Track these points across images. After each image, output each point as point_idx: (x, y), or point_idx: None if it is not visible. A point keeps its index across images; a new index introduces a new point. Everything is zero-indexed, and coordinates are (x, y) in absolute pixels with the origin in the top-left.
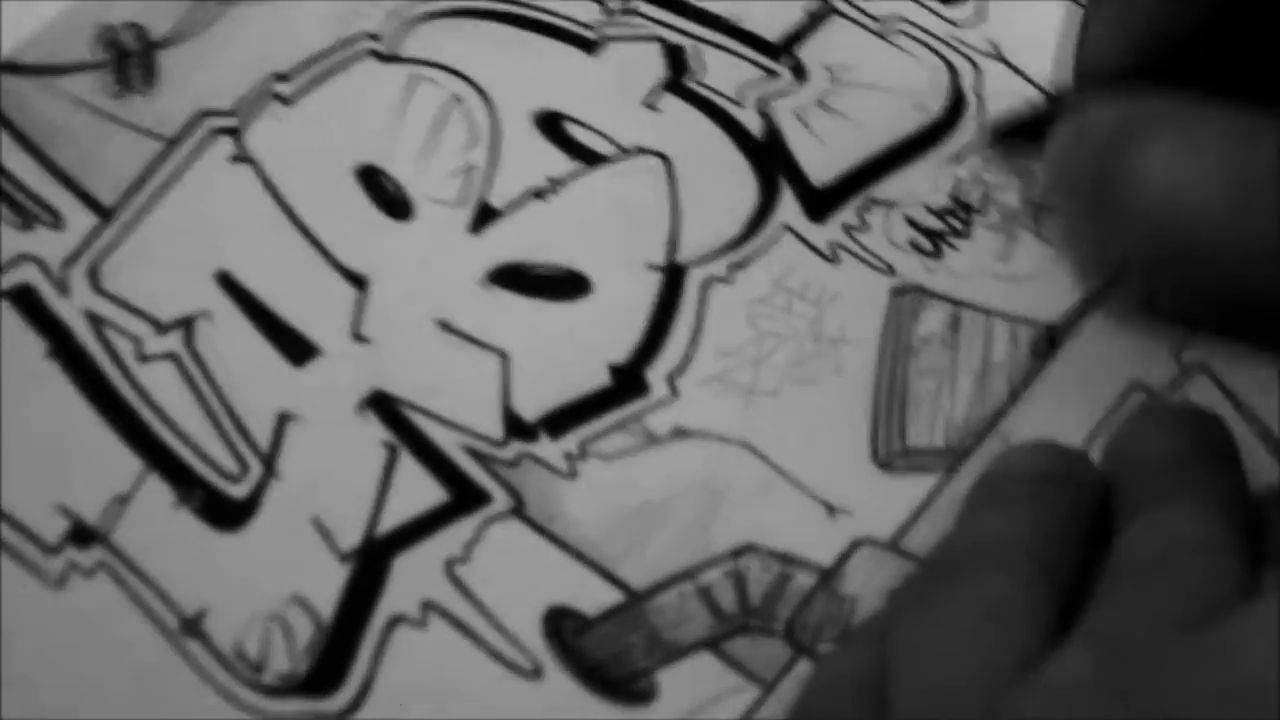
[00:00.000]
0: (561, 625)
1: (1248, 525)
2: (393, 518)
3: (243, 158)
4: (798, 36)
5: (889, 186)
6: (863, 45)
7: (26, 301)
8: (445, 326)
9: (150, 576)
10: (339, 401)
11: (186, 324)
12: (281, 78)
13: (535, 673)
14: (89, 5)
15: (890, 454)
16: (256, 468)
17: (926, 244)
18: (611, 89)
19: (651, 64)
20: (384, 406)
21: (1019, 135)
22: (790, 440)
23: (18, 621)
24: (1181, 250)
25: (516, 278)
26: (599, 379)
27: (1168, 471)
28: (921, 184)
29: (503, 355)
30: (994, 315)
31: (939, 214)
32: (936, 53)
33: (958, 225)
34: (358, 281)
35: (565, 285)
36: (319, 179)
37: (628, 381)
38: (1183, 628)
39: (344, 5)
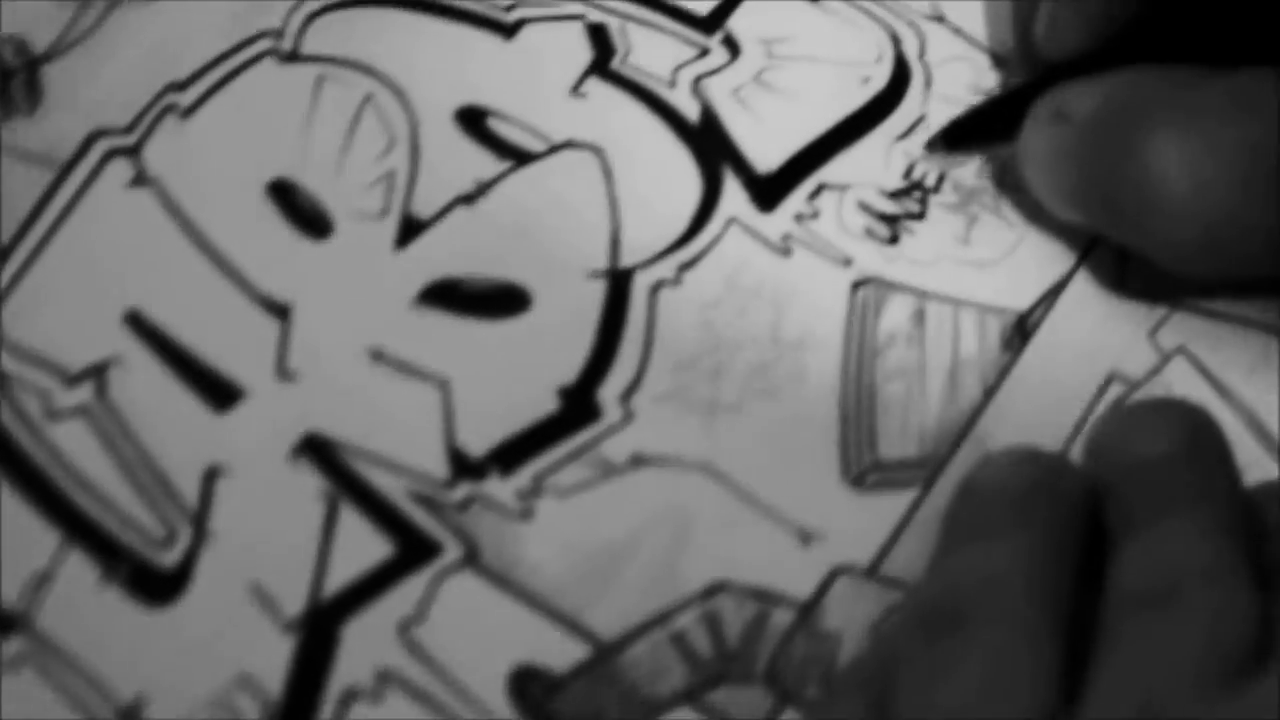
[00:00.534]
0: (529, 686)
1: (1249, 534)
2: (338, 577)
3: (142, 180)
4: (727, 8)
5: (838, 168)
6: (797, 14)
7: None
8: (377, 356)
9: (80, 664)
10: (269, 449)
11: (97, 373)
12: (177, 86)
13: None
14: None
15: (862, 469)
16: (185, 531)
17: (882, 230)
18: (534, 77)
19: (574, 46)
20: (319, 452)
21: (976, 135)
22: (756, 460)
23: None
24: (1204, 235)
25: (449, 296)
26: (547, 404)
27: (1159, 479)
28: (872, 164)
29: (442, 384)
30: (960, 305)
31: (893, 195)
32: (875, 18)
33: (914, 207)
34: (279, 311)
35: (503, 301)
36: (227, 198)
37: (578, 406)
38: (1207, 683)
39: (239, 3)
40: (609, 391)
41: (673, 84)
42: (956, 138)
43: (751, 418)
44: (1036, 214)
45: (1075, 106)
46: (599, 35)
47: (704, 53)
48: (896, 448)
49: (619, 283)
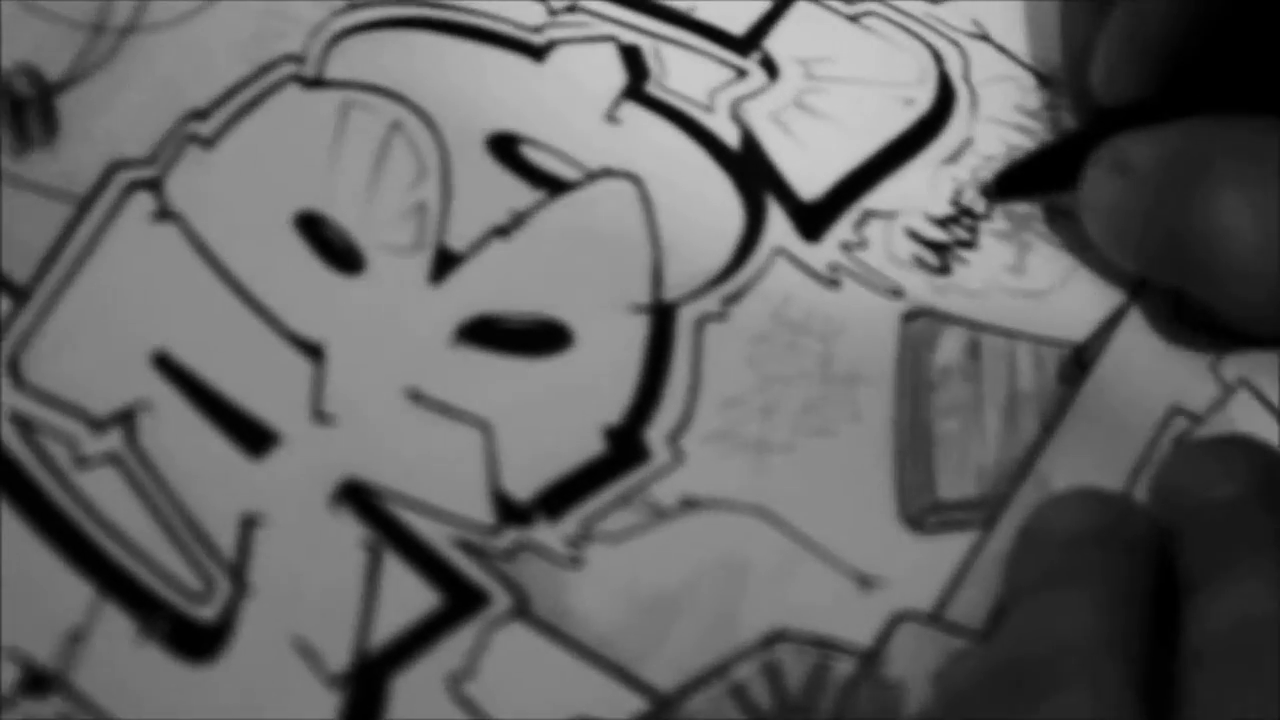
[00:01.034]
0: None
1: None
2: (384, 630)
3: (166, 214)
4: (764, 27)
5: (884, 194)
6: (836, 33)
7: None
8: (416, 396)
9: None
10: (308, 496)
11: (125, 418)
12: (199, 115)
13: None
14: None
15: (920, 510)
16: (224, 583)
17: (932, 259)
18: (567, 102)
19: (607, 69)
20: (359, 499)
21: (1028, 183)
22: (810, 502)
23: None
24: (1275, 301)
25: (488, 333)
26: (593, 446)
27: (1231, 523)
28: (919, 189)
29: (483, 426)
30: (1015, 337)
31: (942, 223)
32: (917, 36)
33: (963, 235)
34: (312, 351)
35: (543, 338)
36: (254, 232)
37: (625, 446)
38: None
39: (259, 23)
40: (657, 431)
41: (710, 108)
42: (1011, 185)
43: (804, 457)
44: (1091, 241)
45: (1136, 158)
46: (632, 57)
47: (741, 74)
48: (955, 487)
49: (663, 318)
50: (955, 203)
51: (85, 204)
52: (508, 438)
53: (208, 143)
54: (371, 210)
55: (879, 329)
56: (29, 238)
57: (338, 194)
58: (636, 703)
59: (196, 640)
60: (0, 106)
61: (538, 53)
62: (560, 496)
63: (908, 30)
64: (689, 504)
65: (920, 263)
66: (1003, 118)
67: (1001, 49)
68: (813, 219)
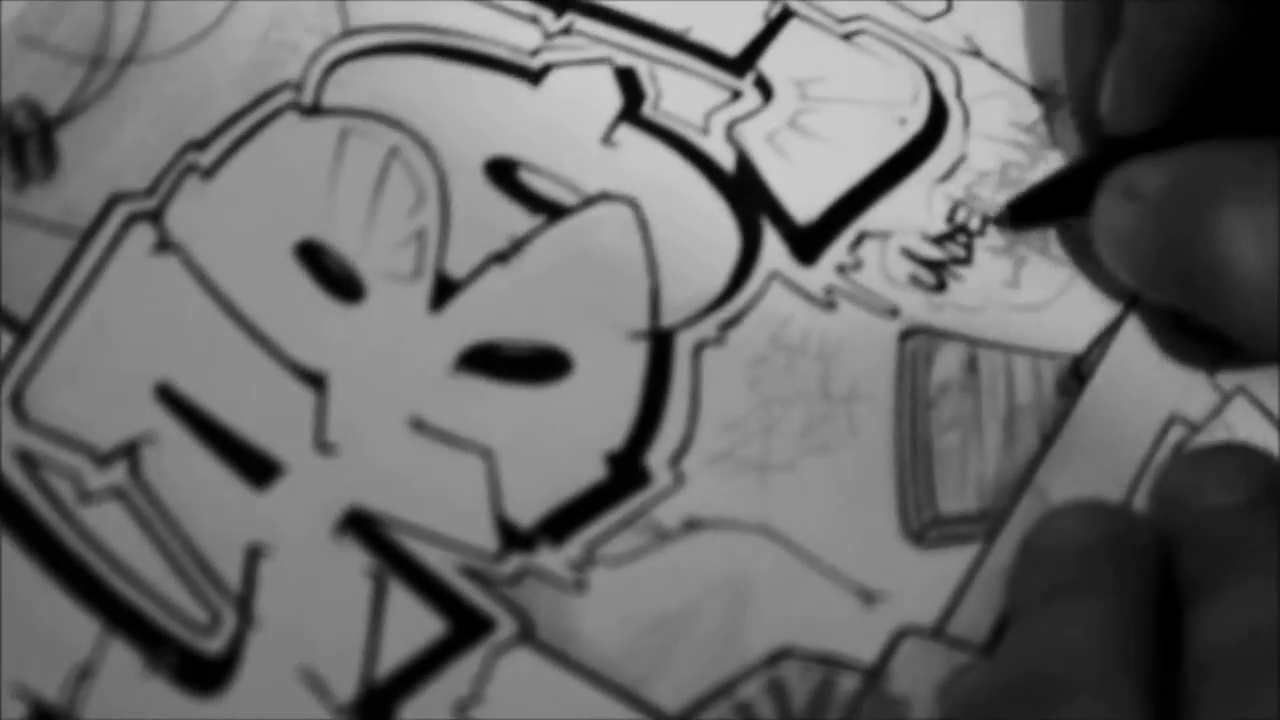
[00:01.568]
0: None
1: None
2: (390, 658)
3: (166, 245)
4: (757, 48)
5: (879, 215)
6: (828, 52)
7: None
8: (418, 425)
9: None
10: (312, 527)
11: (129, 451)
12: (198, 145)
13: None
14: None
15: (922, 524)
16: (230, 615)
17: (928, 277)
18: (564, 126)
19: (603, 92)
20: (363, 528)
21: (1041, 210)
22: (812, 520)
23: None
24: None
25: (488, 360)
26: (595, 471)
27: (1233, 531)
28: (914, 208)
29: (485, 453)
30: (1012, 351)
31: (937, 241)
32: (909, 55)
33: (959, 252)
34: (314, 380)
35: (543, 365)
36: (254, 262)
37: (627, 471)
38: None
39: (257, 52)
40: (658, 455)
41: (706, 130)
42: (1024, 214)
43: (805, 476)
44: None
45: (1146, 184)
46: (628, 80)
47: (736, 95)
48: (955, 501)
49: (661, 344)
50: (950, 220)
51: (86, 237)
52: (510, 464)
53: (207, 173)
54: (371, 238)
55: (876, 348)
56: (30, 272)
57: (337, 222)
58: None
59: (204, 673)
60: (0, 141)
61: (534, 76)
62: (563, 522)
63: (900, 48)
64: (691, 525)
65: (916, 281)
66: (996, 134)
67: (994, 65)
68: (808, 242)
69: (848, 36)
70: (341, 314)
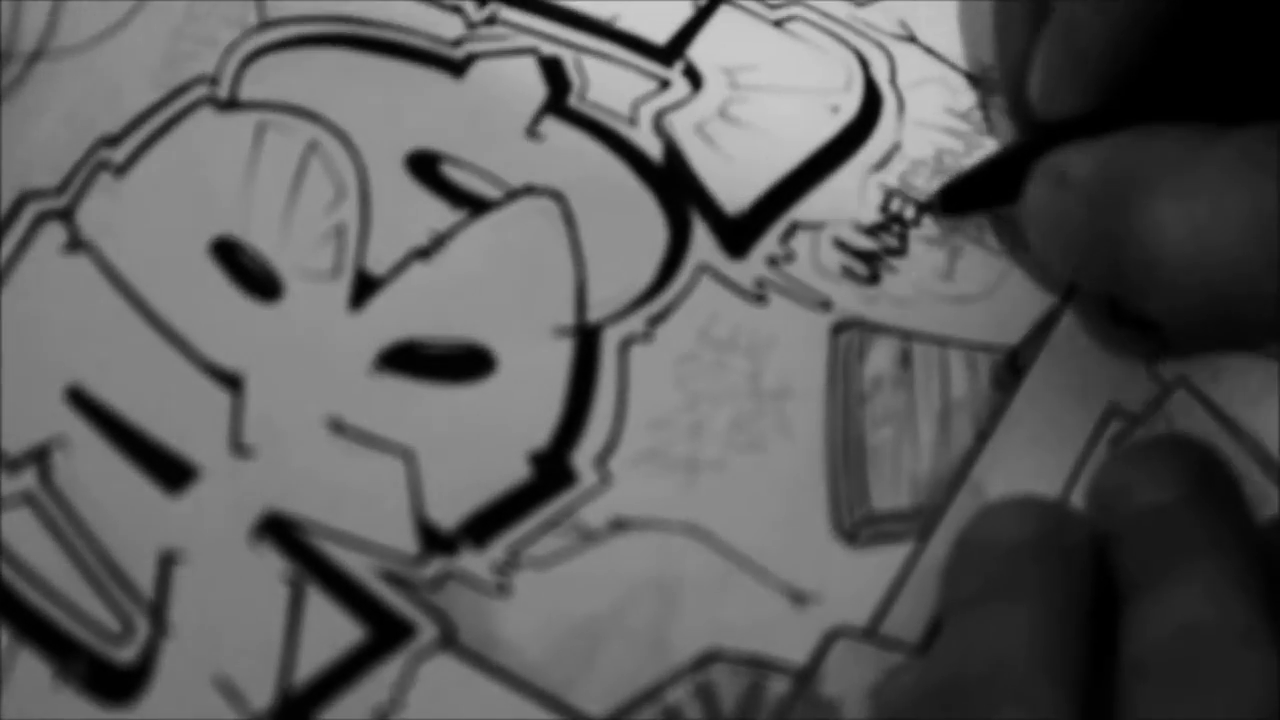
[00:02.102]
0: None
1: (1266, 581)
2: (307, 666)
3: (77, 244)
4: (686, 35)
5: (811, 205)
6: (760, 40)
7: None
8: (337, 426)
9: None
10: (228, 531)
11: (40, 456)
12: (110, 141)
13: None
14: None
15: (854, 523)
16: (143, 623)
17: (861, 268)
18: (487, 118)
19: (528, 83)
20: (280, 532)
21: (973, 197)
22: (742, 519)
23: None
24: (1213, 305)
25: (409, 359)
26: (518, 471)
27: (1168, 527)
28: (847, 198)
29: (407, 454)
30: (948, 344)
31: (870, 231)
32: (842, 41)
33: (893, 243)
34: (230, 381)
35: (466, 363)
36: (169, 261)
37: (552, 471)
38: None
39: (171, 46)
40: (583, 455)
41: (633, 121)
42: (955, 200)
43: (735, 474)
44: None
45: (1076, 170)
46: (553, 70)
47: (664, 85)
48: (889, 498)
49: (587, 340)
50: (884, 210)
51: None
52: (431, 466)
53: (120, 170)
54: (289, 235)
55: (808, 342)
56: None
57: (254, 219)
58: None
59: (116, 682)
60: None
61: (457, 68)
62: (486, 524)
63: (833, 35)
64: (618, 525)
65: (849, 273)
66: (931, 120)
67: (929, 50)
68: (738, 234)
69: (779, 23)
70: (258, 313)
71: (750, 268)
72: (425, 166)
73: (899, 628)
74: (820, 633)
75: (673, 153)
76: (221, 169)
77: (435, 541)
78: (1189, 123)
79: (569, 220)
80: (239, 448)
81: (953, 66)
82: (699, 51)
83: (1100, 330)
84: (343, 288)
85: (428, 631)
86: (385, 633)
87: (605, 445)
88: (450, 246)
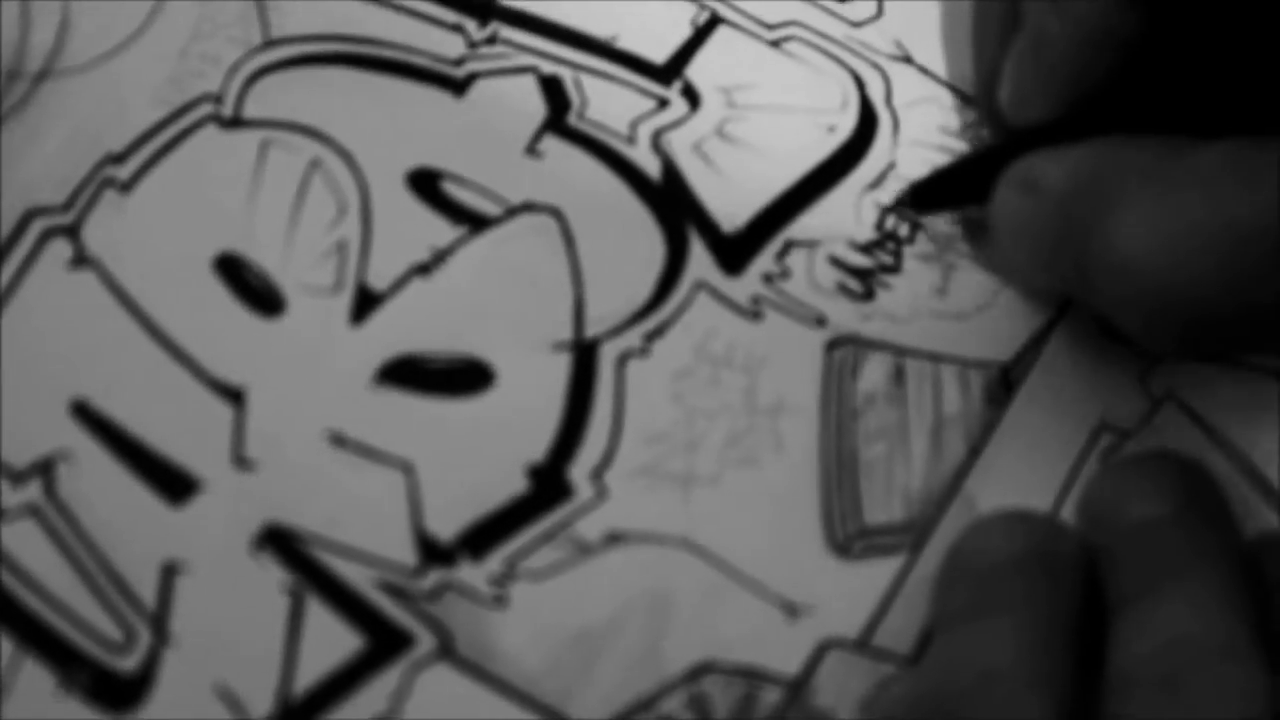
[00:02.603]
0: None
1: (1252, 596)
2: (307, 675)
3: (83, 260)
4: (685, 55)
5: (807, 223)
6: (757, 59)
7: None
8: (338, 440)
9: None
10: (229, 543)
11: (45, 468)
12: (115, 159)
13: None
14: None
15: (847, 536)
16: (145, 633)
17: (856, 285)
18: (487, 136)
19: (528, 101)
20: (281, 544)
21: (943, 196)
22: (736, 533)
23: None
24: (1179, 314)
25: (410, 373)
26: (516, 485)
27: (1157, 543)
28: (842, 216)
29: (406, 467)
30: (940, 360)
31: (865, 249)
32: (839, 61)
33: (887, 260)
34: (233, 395)
35: (465, 377)
36: (172, 276)
37: (549, 484)
38: None
39: (176, 65)
40: (580, 469)
41: (632, 139)
42: (925, 199)
43: (729, 489)
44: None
45: (1044, 177)
46: (553, 89)
47: (663, 104)
48: (882, 512)
49: (585, 355)
50: (879, 227)
51: (1, 253)
52: (430, 478)
53: (125, 187)
54: (291, 250)
55: (802, 359)
56: None
57: (257, 235)
58: None
59: (118, 691)
60: None
61: (458, 86)
62: (484, 536)
63: (829, 55)
64: (614, 539)
65: (844, 289)
66: (925, 139)
67: (924, 70)
68: (734, 252)
69: (776, 43)
70: (261, 328)
71: (746, 285)
72: (426, 184)
73: (891, 639)
74: (813, 644)
75: (670, 171)
76: (225, 186)
77: (433, 553)
78: (1158, 134)
79: (568, 237)
80: (241, 461)
81: (947, 86)
82: (697, 71)
83: (1093, 343)
84: (344, 303)
85: (426, 642)
86: (384, 643)
87: (602, 459)
88: (450, 262)
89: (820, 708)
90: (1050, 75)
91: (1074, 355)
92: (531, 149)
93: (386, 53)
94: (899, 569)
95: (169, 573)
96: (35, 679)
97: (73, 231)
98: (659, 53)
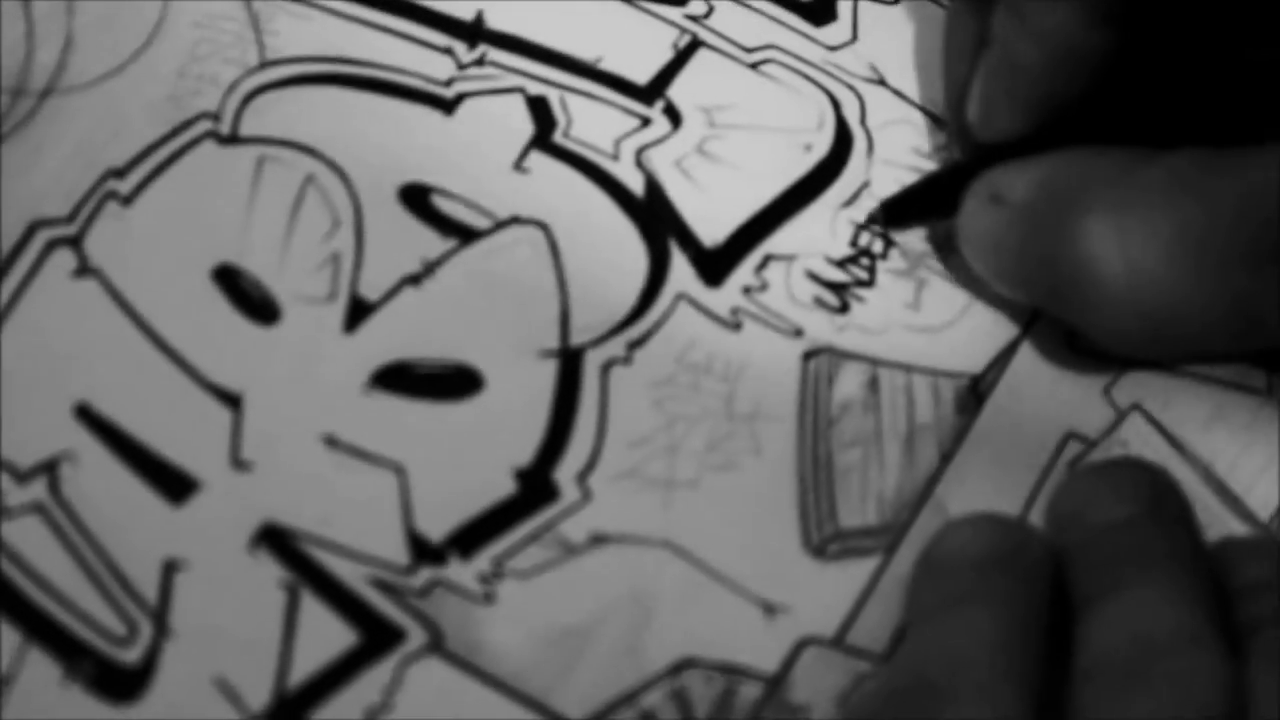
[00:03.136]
0: None
1: (1214, 595)
2: (302, 668)
3: (86, 270)
4: (667, 76)
5: (784, 238)
6: (736, 81)
7: None
8: (331, 442)
9: None
10: (227, 541)
11: (49, 468)
12: (117, 173)
13: None
14: None
15: (823, 539)
16: (147, 627)
17: (832, 299)
18: (476, 153)
19: (515, 120)
20: (277, 542)
21: (914, 211)
22: (716, 535)
23: None
24: (1142, 321)
25: (401, 379)
26: (504, 486)
27: (1121, 543)
28: (818, 232)
29: (398, 469)
30: (913, 371)
31: (840, 264)
32: (815, 83)
33: (862, 274)
34: (230, 400)
35: (454, 383)
36: (172, 286)
37: (536, 487)
38: None
39: (175, 84)
40: (565, 472)
41: (616, 156)
42: (896, 215)
43: (709, 492)
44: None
45: (1011, 190)
46: (539, 108)
47: (645, 123)
48: (856, 516)
49: (570, 362)
50: (854, 244)
51: (6, 264)
52: (421, 480)
53: (126, 200)
54: (287, 262)
55: (780, 367)
56: None
57: (254, 247)
58: None
59: (120, 682)
60: None
61: (447, 106)
62: (472, 536)
63: (806, 77)
64: (598, 540)
65: (820, 303)
66: (899, 160)
67: (898, 93)
68: (714, 265)
69: (755, 65)
70: (257, 335)
71: (726, 296)
72: (417, 198)
73: (866, 638)
74: (790, 642)
75: (653, 187)
76: (223, 200)
77: (424, 552)
78: (1122, 146)
79: (554, 249)
80: (239, 462)
81: (920, 108)
82: (679, 91)
83: (1060, 355)
84: (338, 312)
85: (416, 637)
86: (376, 637)
87: (586, 463)
88: (440, 273)
89: (797, 702)
90: (1017, 92)
91: (1041, 367)
92: (519, 165)
93: (378, 73)
94: (873, 570)
95: (169, 569)
96: (41, 669)
97: (76, 242)
98: (642, 74)
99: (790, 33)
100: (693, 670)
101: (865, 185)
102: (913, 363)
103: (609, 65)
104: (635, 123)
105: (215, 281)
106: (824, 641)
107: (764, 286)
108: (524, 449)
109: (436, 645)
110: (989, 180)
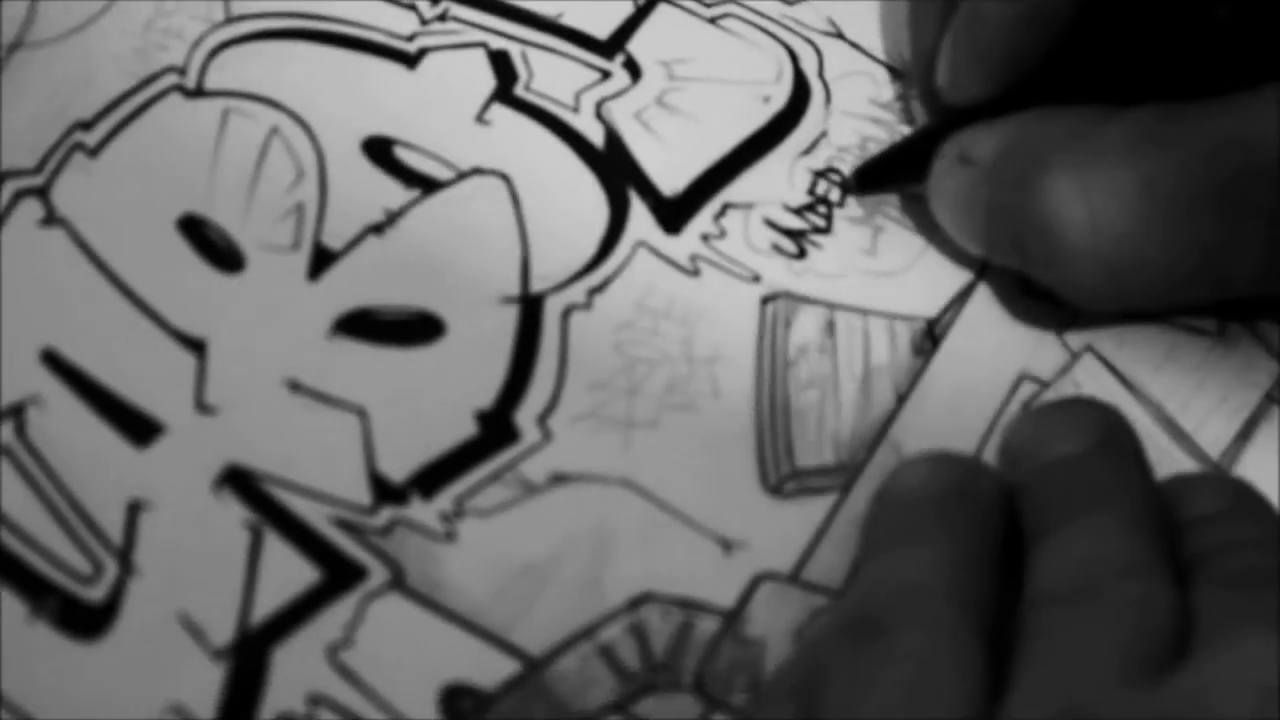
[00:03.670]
0: (460, 704)
1: (1162, 528)
2: (265, 605)
3: (52, 219)
4: (627, 30)
5: (743, 187)
6: (696, 35)
7: None
8: (295, 386)
9: (12, 700)
10: (191, 482)
11: (16, 412)
12: (84, 125)
13: None
14: None
15: (780, 478)
16: (112, 566)
17: (789, 245)
18: (438, 106)
19: (477, 74)
20: (241, 483)
21: (887, 176)
22: (674, 474)
23: None
24: (1107, 275)
25: (364, 325)
26: (466, 428)
27: (1072, 478)
28: (776, 181)
29: (360, 412)
30: (869, 314)
31: (798, 211)
32: (774, 36)
33: (819, 222)
34: (195, 346)
35: (417, 328)
36: (138, 235)
37: (496, 428)
38: (1129, 676)
39: (142, 38)
40: (526, 413)
41: (576, 108)
42: (868, 179)
43: (668, 433)
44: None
45: (978, 150)
46: (501, 62)
47: (605, 76)
48: (813, 455)
49: (531, 308)
50: (811, 192)
51: None
52: (383, 423)
53: (93, 152)
54: (251, 212)
55: (738, 312)
56: None
57: (219, 197)
58: (510, 666)
59: (86, 619)
60: None
61: (410, 60)
62: (434, 476)
63: (765, 31)
64: (558, 479)
65: (778, 249)
66: (856, 110)
67: (855, 46)
68: (674, 213)
69: (714, 20)
70: (222, 283)
71: (685, 244)
72: (380, 150)
73: (821, 574)
74: (747, 577)
75: (613, 138)
76: (188, 152)
77: (386, 492)
78: (1085, 105)
79: (515, 199)
80: (203, 406)
81: (876, 60)
82: (638, 45)
83: (1013, 302)
84: (302, 260)
85: (378, 574)
86: (338, 575)
87: (547, 405)
88: (402, 223)
89: (753, 636)
90: (985, 55)
91: (996, 310)
92: (480, 118)
93: (342, 28)
94: (829, 508)
95: (134, 510)
96: (8, 608)
97: (43, 193)
98: (602, 29)
99: None
100: (651, 605)
101: (823, 135)
102: (869, 307)
103: (569, 20)
104: (595, 76)
105: (181, 231)
106: (780, 577)
107: (722, 234)
108: (485, 392)
109: (398, 582)
110: (957, 141)
